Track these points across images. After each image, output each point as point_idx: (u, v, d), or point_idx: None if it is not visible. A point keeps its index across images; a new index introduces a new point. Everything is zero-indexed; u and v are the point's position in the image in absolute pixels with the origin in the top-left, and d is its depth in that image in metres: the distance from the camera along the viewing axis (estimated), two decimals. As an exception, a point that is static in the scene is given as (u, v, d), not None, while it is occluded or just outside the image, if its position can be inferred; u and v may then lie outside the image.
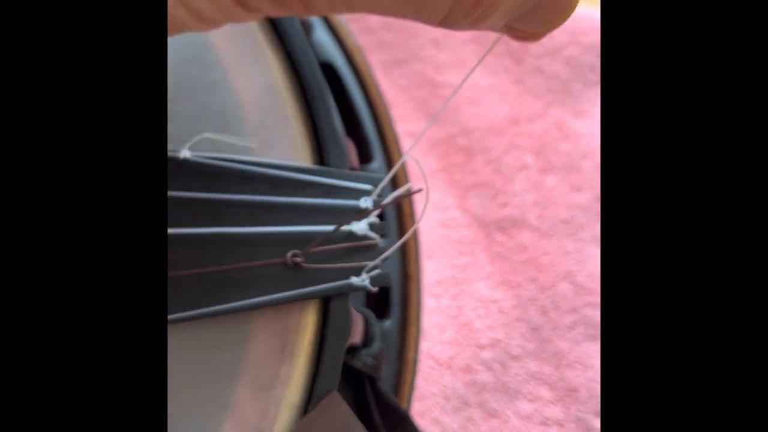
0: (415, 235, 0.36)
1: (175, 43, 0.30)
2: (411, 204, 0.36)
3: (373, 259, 0.28)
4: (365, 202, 0.29)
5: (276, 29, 0.33)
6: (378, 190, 0.29)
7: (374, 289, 0.28)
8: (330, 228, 0.27)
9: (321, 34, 0.39)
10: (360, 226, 0.28)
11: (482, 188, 0.45)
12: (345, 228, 0.28)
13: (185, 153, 0.27)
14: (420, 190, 0.27)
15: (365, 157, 0.37)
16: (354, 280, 0.27)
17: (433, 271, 0.42)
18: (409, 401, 0.33)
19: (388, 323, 0.34)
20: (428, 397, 0.39)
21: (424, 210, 0.26)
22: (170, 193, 0.27)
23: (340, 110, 0.36)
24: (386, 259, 0.28)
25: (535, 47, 0.48)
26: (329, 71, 0.38)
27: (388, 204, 0.29)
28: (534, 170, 0.45)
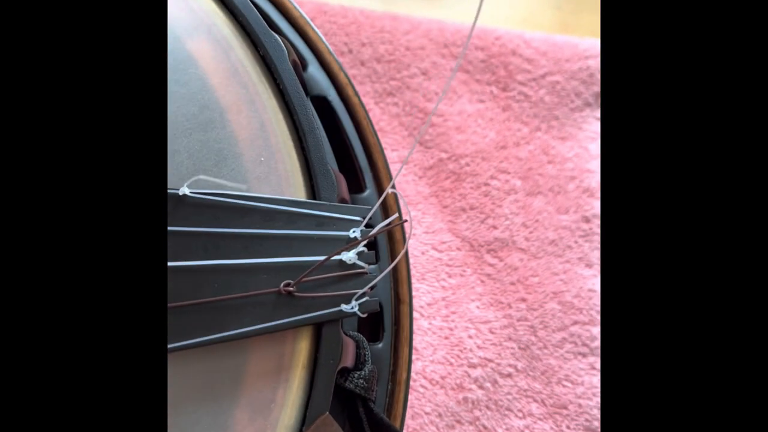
0: (406, 261, 0.37)
1: (173, 85, 0.32)
2: (402, 230, 0.38)
3: (362, 286, 0.30)
4: (354, 233, 0.30)
5: (268, 67, 0.34)
6: (366, 221, 0.30)
7: (363, 315, 0.29)
8: (321, 258, 0.29)
9: (314, 70, 0.41)
10: (349, 256, 0.30)
11: (472, 212, 0.46)
12: (335, 258, 0.29)
13: (184, 190, 0.29)
14: (405, 221, 0.28)
15: (357, 186, 0.39)
16: (344, 307, 0.29)
17: (425, 293, 0.43)
18: (402, 420, 0.35)
19: (380, 345, 0.36)
20: (422, 416, 0.40)
21: (407, 238, 0.27)
22: (170, 228, 0.28)
23: (332, 141, 0.38)
24: (374, 286, 0.30)
25: (520, 74, 0.50)
26: (323, 104, 0.40)
27: (375, 234, 0.30)
28: (522, 193, 0.47)
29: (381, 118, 0.48)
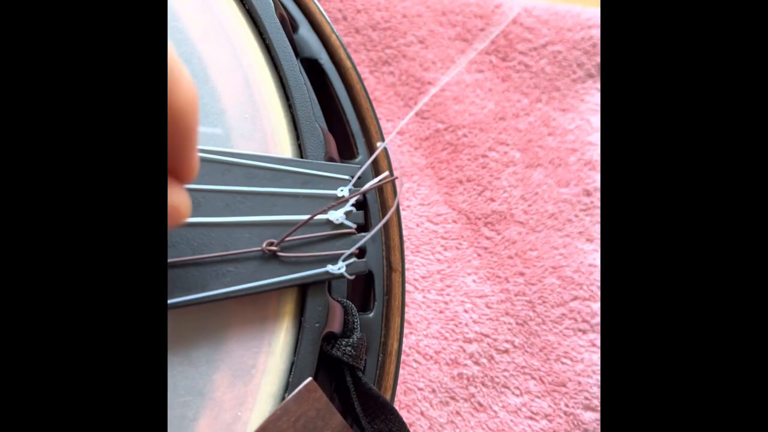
0: (398, 227, 0.36)
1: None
2: (395, 197, 0.37)
3: (350, 247, 0.28)
4: (342, 191, 0.29)
5: (254, 22, 0.33)
6: (355, 179, 0.29)
7: (351, 277, 0.28)
8: (306, 216, 0.27)
9: (305, 32, 0.39)
10: (337, 215, 0.28)
11: (469, 184, 0.45)
12: (322, 217, 0.28)
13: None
14: (396, 179, 0.27)
15: (350, 152, 0.38)
16: (330, 267, 0.27)
17: (420, 266, 0.42)
18: (393, 392, 0.33)
19: (371, 315, 0.34)
20: (414, 391, 0.39)
21: (398, 194, 0.26)
22: None
23: (323, 106, 0.37)
24: (362, 247, 0.28)
25: (521, 44, 0.48)
26: (314, 67, 0.38)
27: (364, 191, 0.29)
28: (521, 166, 0.45)
29: (376, 87, 0.47)
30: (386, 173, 0.28)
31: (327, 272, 0.27)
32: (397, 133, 0.46)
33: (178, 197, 0.21)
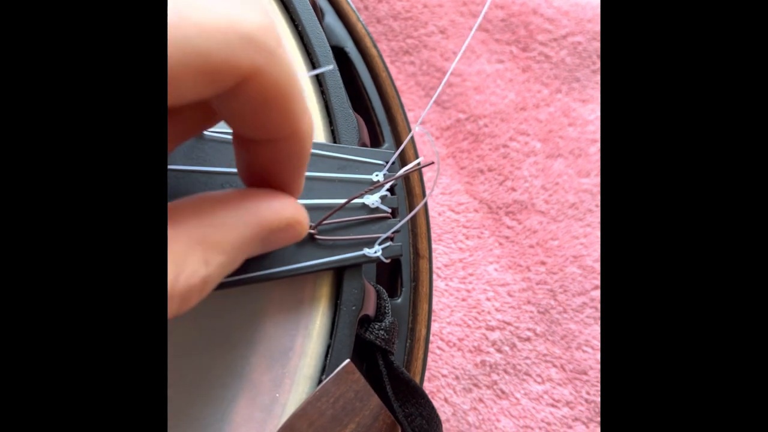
0: (425, 215, 0.36)
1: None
2: (421, 185, 0.37)
3: (385, 231, 0.28)
4: (377, 176, 0.29)
5: (289, 12, 0.33)
6: (389, 164, 0.29)
7: (387, 260, 0.28)
8: (342, 200, 0.28)
9: (331, 20, 0.40)
10: (372, 199, 0.28)
11: (490, 173, 0.45)
12: (357, 201, 0.28)
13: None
14: (432, 163, 0.27)
15: (375, 140, 0.38)
16: (367, 251, 0.28)
17: (442, 254, 0.42)
18: (422, 377, 0.33)
19: (399, 301, 0.34)
20: (438, 378, 0.39)
21: (435, 182, 0.26)
22: (187, 167, 0.27)
23: (349, 94, 0.37)
24: (398, 231, 0.28)
25: (541, 34, 0.48)
26: (340, 56, 0.39)
27: (400, 176, 0.29)
28: (541, 156, 0.45)
29: (397, 77, 0.47)
30: (421, 158, 0.28)
31: (363, 255, 0.28)
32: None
33: (302, 211, 0.22)
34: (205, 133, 0.28)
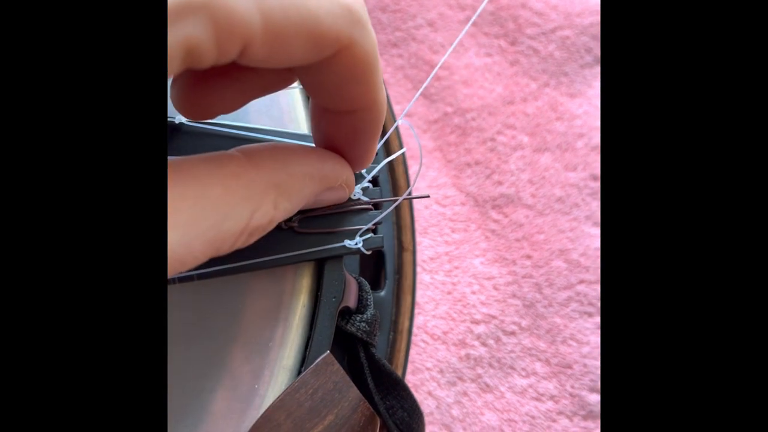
0: (410, 208, 0.36)
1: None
2: (406, 178, 0.37)
3: (366, 223, 0.28)
4: (359, 168, 0.29)
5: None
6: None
7: (367, 252, 0.28)
8: (324, 192, 0.27)
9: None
10: (354, 191, 0.28)
11: (477, 167, 0.45)
12: (339, 192, 0.28)
13: (180, 118, 0.27)
14: (402, 152, 0.27)
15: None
16: (348, 242, 0.28)
17: (428, 247, 0.42)
18: (404, 371, 0.33)
19: (382, 294, 0.34)
20: (422, 371, 0.39)
21: (419, 169, 0.26)
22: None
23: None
24: (379, 222, 0.28)
25: (530, 28, 0.48)
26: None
27: (381, 167, 0.29)
28: (529, 150, 0.45)
29: (385, 70, 0.47)
30: (403, 149, 0.28)
31: (344, 247, 0.28)
32: (405, 116, 0.46)
33: (353, 177, 0.25)
34: (184, 123, 0.27)
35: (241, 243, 0.20)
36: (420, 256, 0.42)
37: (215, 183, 0.18)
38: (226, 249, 0.20)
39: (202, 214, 0.18)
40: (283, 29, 0.17)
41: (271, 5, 0.16)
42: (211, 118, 0.23)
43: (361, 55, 0.19)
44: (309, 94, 0.22)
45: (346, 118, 0.22)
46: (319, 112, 0.23)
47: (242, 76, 0.22)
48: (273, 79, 0.23)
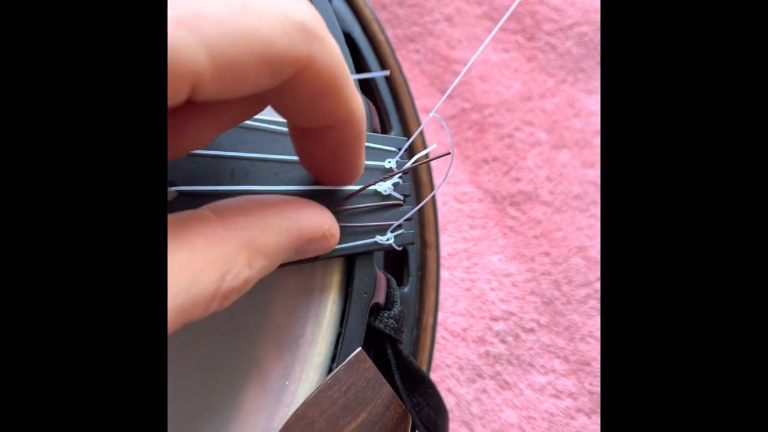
0: (433, 205, 0.36)
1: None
2: (429, 174, 0.36)
3: (397, 219, 0.28)
4: (389, 163, 0.28)
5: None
6: (402, 152, 0.29)
7: (399, 248, 0.28)
8: (355, 188, 0.27)
9: (338, 5, 0.39)
10: (385, 186, 0.28)
11: (494, 163, 0.45)
12: (370, 188, 0.28)
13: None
14: (448, 154, 0.27)
15: (382, 128, 0.37)
16: (379, 238, 0.27)
17: (447, 244, 0.42)
18: (428, 368, 0.33)
19: (405, 290, 0.34)
20: (442, 368, 0.39)
21: (447, 173, 0.26)
22: (195, 152, 0.26)
23: (356, 80, 0.36)
24: (410, 218, 0.28)
25: (547, 24, 0.48)
26: (347, 42, 0.38)
27: (416, 164, 0.29)
28: (546, 146, 0.45)
29: (401, 65, 0.46)
30: (434, 146, 0.28)
31: (376, 243, 0.27)
32: (424, 111, 0.45)
33: (336, 225, 0.24)
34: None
35: (216, 306, 0.19)
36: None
37: (180, 247, 0.17)
38: (198, 315, 0.18)
39: (169, 281, 0.17)
40: (235, 60, 0.16)
41: (218, 37, 0.15)
42: (183, 154, 0.21)
43: (325, 71, 0.18)
44: (281, 115, 0.21)
45: (326, 134, 0.21)
46: (297, 132, 0.22)
47: (204, 111, 0.20)
48: (240, 108, 0.21)
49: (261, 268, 0.20)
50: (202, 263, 0.18)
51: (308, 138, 0.22)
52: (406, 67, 0.46)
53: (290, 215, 0.21)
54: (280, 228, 0.21)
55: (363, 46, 0.38)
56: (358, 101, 0.21)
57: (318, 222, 0.22)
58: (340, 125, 0.21)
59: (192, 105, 0.19)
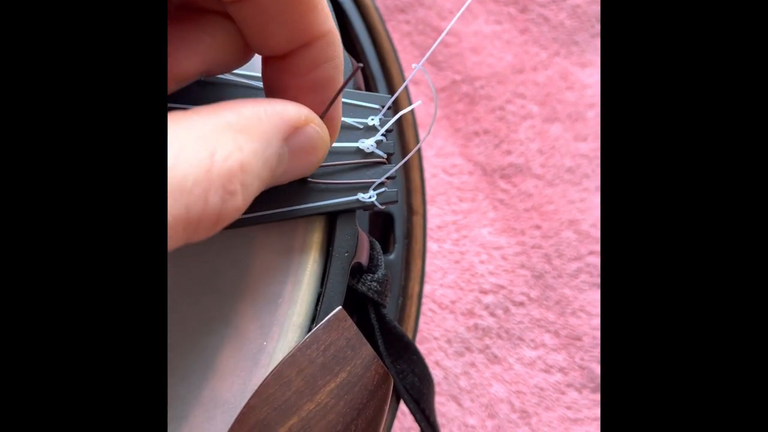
0: (420, 170, 0.35)
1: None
2: (416, 138, 0.36)
3: (380, 177, 0.27)
4: (372, 120, 0.28)
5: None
6: (386, 108, 0.28)
7: (381, 207, 0.27)
8: (337, 144, 0.26)
9: (324, -31, 0.38)
10: (367, 144, 0.27)
11: (485, 136, 0.44)
12: (352, 145, 0.27)
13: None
14: (419, 103, 0.26)
15: (368, 90, 0.37)
16: (361, 196, 0.26)
17: (435, 216, 0.41)
18: (414, 336, 0.32)
19: (391, 257, 0.33)
20: (430, 340, 0.38)
21: (433, 122, 0.25)
22: (176, 105, 0.26)
23: (344, 45, 0.35)
24: (393, 176, 0.27)
25: (540, -4, 0.47)
26: (333, 8, 0.37)
27: (396, 120, 0.28)
28: (538, 119, 0.44)
29: (391, 36, 0.46)
30: (419, 102, 0.27)
31: (358, 200, 0.26)
32: (411, 83, 0.45)
33: (315, 116, 0.22)
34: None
35: (219, 200, 0.17)
36: (428, 225, 0.41)
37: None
38: (198, 208, 0.17)
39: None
40: None
41: None
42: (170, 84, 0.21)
43: None
44: (255, 42, 0.21)
45: (300, 58, 0.21)
46: (270, 63, 0.22)
47: (197, 35, 0.21)
48: (226, 46, 0.22)
49: (253, 151, 0.19)
50: (183, 141, 0.16)
51: (281, 68, 0.22)
52: (396, 37, 0.46)
53: (263, 102, 0.20)
54: (257, 111, 0.20)
55: (350, 12, 0.38)
56: (331, 21, 0.21)
57: (294, 108, 0.21)
58: (317, 42, 0.20)
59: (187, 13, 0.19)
